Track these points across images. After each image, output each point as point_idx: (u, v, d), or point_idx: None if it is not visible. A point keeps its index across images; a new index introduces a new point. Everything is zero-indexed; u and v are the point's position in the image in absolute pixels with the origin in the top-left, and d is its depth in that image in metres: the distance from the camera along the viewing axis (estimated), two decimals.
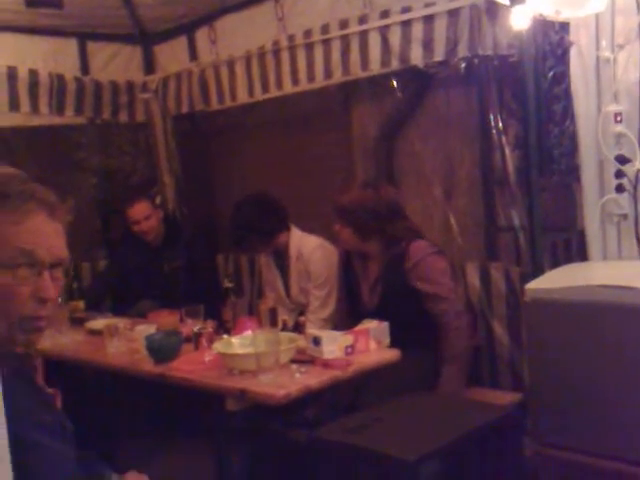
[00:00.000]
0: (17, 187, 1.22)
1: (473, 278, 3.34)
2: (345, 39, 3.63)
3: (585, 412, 2.15)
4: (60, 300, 3.70)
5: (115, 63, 4.68)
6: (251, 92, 4.18)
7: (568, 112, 2.97)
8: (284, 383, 2.45)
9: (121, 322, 3.20)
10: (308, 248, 3.47)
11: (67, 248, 1.31)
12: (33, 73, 4.24)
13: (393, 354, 2.76)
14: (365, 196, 3.09)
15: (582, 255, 2.78)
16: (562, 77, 2.99)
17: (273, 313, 3.02)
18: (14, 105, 4.19)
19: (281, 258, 3.59)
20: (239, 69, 4.21)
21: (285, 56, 3.94)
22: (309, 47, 3.81)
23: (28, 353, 1.30)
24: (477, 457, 2.19)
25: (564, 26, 2.90)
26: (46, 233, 1.25)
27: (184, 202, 4.81)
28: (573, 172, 2.93)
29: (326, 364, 2.59)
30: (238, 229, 3.50)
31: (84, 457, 1.38)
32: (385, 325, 2.84)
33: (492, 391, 3.11)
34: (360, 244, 3.12)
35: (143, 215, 3.94)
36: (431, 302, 2.99)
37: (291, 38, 3.90)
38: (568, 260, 2.88)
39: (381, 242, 3.10)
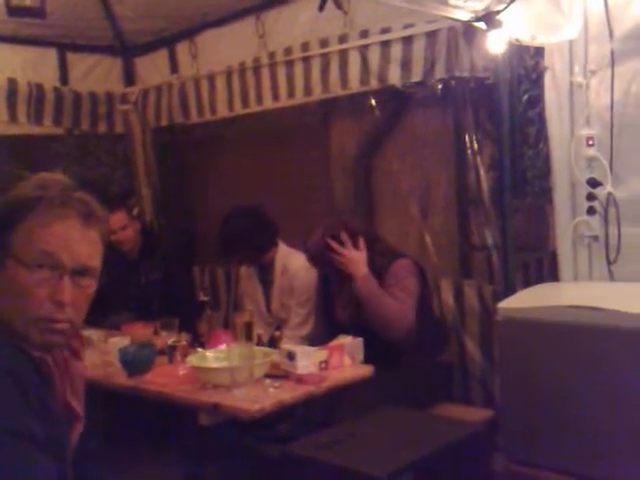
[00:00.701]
0: (53, 192, 1.26)
1: (447, 295, 3.38)
2: (325, 57, 3.68)
3: (554, 430, 2.19)
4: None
5: (95, 74, 4.68)
6: (231, 106, 4.21)
7: (542, 135, 3.05)
8: (258, 398, 2.45)
9: (95, 334, 3.18)
10: (295, 265, 3.46)
11: (98, 257, 1.32)
12: (12, 82, 4.23)
13: (366, 370, 2.78)
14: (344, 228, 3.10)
15: (553, 275, 2.83)
16: (536, 101, 3.06)
17: (249, 327, 3.03)
18: None
19: (265, 271, 3.58)
20: (219, 83, 4.24)
21: (265, 72, 3.98)
22: (289, 64, 3.85)
23: (44, 360, 1.27)
24: (448, 473, 2.21)
25: (539, 51, 2.98)
26: (74, 239, 1.26)
27: (161, 214, 4.81)
28: (546, 194, 3.00)
29: (300, 379, 2.60)
30: (229, 242, 3.46)
31: None
32: (359, 341, 2.86)
33: (464, 407, 3.14)
34: (342, 275, 3.14)
35: (119, 225, 3.92)
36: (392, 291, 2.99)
37: (272, 55, 3.94)
38: (540, 280, 2.94)
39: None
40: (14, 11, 3.96)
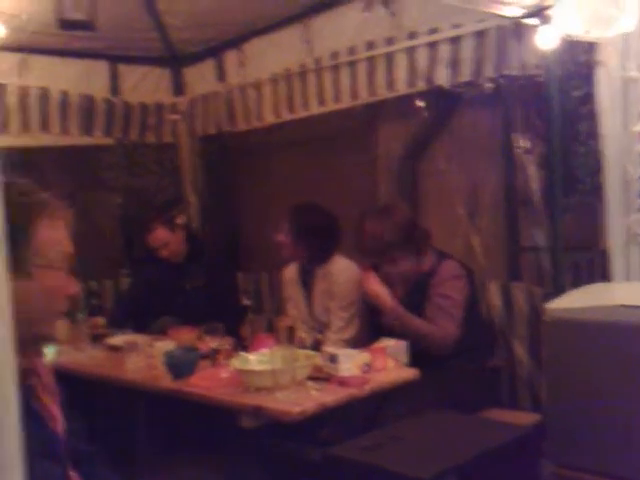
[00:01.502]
0: (46, 195, 1.32)
1: (495, 298, 3.30)
2: (371, 60, 3.65)
3: (602, 434, 2.09)
4: (81, 316, 3.76)
5: (145, 85, 4.75)
6: (277, 113, 4.22)
7: (593, 131, 2.95)
8: (300, 400, 2.43)
9: (141, 338, 3.22)
10: (336, 268, 3.44)
11: None
12: (64, 94, 4.32)
13: (411, 373, 2.73)
14: (377, 228, 3.07)
15: (604, 275, 2.73)
16: (588, 97, 2.96)
17: (291, 331, 3.01)
18: (45, 126, 4.27)
19: (307, 275, 3.57)
20: (266, 90, 4.26)
21: (312, 77, 3.97)
22: (335, 69, 3.83)
23: (32, 369, 1.30)
24: (493, 477, 2.14)
25: (591, 46, 2.88)
26: (66, 236, 1.34)
27: (208, 221, 4.85)
28: (597, 192, 2.89)
29: (342, 382, 2.56)
30: (300, 229, 3.44)
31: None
32: (403, 344, 2.81)
33: (510, 412, 3.05)
34: (386, 266, 3.10)
35: (161, 242, 3.96)
36: (437, 310, 2.96)
37: (318, 61, 3.93)
38: (590, 280, 2.83)
39: (408, 262, 3.08)
40: (65, 25, 4.04)
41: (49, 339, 1.35)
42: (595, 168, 2.94)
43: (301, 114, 4.10)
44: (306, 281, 3.58)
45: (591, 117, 2.94)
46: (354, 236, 3.19)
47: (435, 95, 3.60)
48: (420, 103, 3.70)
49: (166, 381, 2.82)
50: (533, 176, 3.24)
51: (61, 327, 3.44)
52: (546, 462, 2.24)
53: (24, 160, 4.15)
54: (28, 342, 1.24)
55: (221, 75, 4.61)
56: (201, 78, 4.75)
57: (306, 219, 3.46)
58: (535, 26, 2.76)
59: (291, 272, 3.66)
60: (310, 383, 2.57)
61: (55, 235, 1.29)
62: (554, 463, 2.20)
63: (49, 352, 2.56)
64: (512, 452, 2.19)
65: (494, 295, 3.29)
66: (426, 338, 2.92)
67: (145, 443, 3.07)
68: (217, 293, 3.89)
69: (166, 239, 3.96)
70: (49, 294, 1.28)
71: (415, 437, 2.34)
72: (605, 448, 2.10)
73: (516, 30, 3.03)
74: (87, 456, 1.48)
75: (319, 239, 3.43)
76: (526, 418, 2.93)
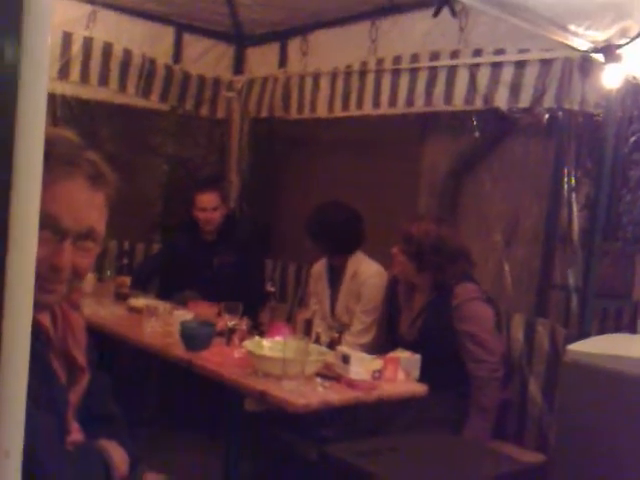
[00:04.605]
0: (60, 150, 1.16)
1: (517, 331, 3.25)
2: (433, 71, 3.63)
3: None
4: (109, 273, 3.80)
5: (206, 57, 4.77)
6: (331, 108, 4.22)
7: None
8: (306, 393, 2.43)
9: (162, 305, 3.24)
10: (366, 272, 3.44)
11: (103, 221, 1.24)
12: (127, 53, 4.36)
13: (420, 388, 2.71)
14: (435, 231, 3.06)
15: (632, 327, 2.69)
16: None
17: (309, 324, 3.01)
18: (104, 80, 4.30)
19: (335, 273, 3.57)
20: (324, 83, 4.26)
21: (371, 78, 3.97)
22: (396, 73, 3.82)
23: (37, 321, 1.20)
24: None
25: None
26: (79, 201, 1.19)
27: (245, 202, 4.87)
28: (638, 242, 2.85)
29: (351, 384, 2.56)
30: (319, 224, 3.47)
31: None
32: (417, 358, 2.79)
33: (515, 448, 3.01)
34: (413, 274, 3.09)
35: (212, 205, 4.00)
36: (471, 344, 2.93)
37: (380, 62, 3.92)
38: (616, 329, 2.80)
39: (434, 278, 3.06)
40: None
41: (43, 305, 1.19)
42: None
43: (354, 113, 4.09)
44: (333, 279, 3.58)
45: None
46: (399, 233, 3.15)
47: (490, 116, 3.57)
48: (474, 121, 3.67)
49: (179, 350, 2.84)
50: (576, 215, 3.20)
51: (88, 281, 3.49)
52: None
53: (79, 111, 4.21)
54: None
55: (282, 61, 4.62)
56: (262, 60, 4.77)
57: (326, 216, 3.47)
58: (602, 63, 2.73)
59: (320, 267, 3.66)
60: (319, 379, 2.57)
61: (47, 193, 1.12)
62: None
63: None
64: None
65: (517, 328, 3.25)
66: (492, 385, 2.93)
67: (154, 411, 3.08)
68: (243, 274, 3.91)
69: (217, 204, 4.01)
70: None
71: (414, 453, 2.33)
72: None
73: (582, 64, 3.00)
74: (109, 416, 1.44)
75: (339, 235, 3.43)
76: (530, 456, 2.89)
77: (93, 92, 4.31)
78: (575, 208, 3.20)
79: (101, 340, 3.03)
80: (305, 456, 2.65)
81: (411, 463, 2.20)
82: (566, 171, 3.24)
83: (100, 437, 1.35)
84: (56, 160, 1.13)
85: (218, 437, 2.78)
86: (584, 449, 2.17)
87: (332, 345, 3.14)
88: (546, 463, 2.76)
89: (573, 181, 3.23)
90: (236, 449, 2.67)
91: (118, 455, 1.33)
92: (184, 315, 3.05)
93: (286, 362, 2.51)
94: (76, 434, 1.34)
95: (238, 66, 4.88)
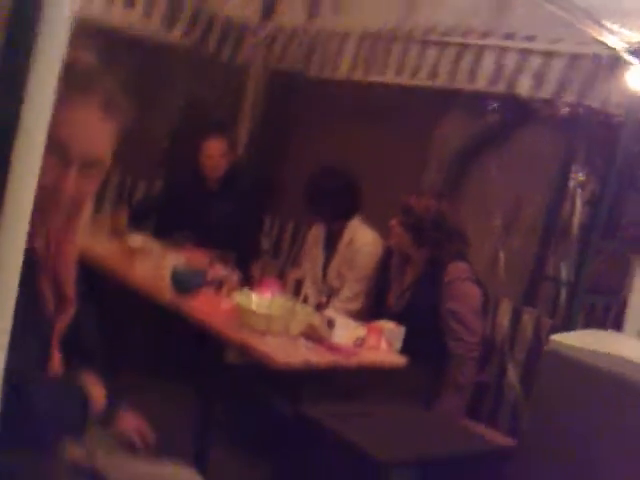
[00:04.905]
0: (77, 74, 1.11)
1: (503, 316, 3.28)
2: (462, 47, 3.58)
3: (571, 472, 2.11)
4: (107, 207, 3.74)
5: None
6: (353, 69, 4.14)
7: None
8: (287, 352, 2.46)
9: (157, 246, 3.24)
10: (362, 240, 3.44)
11: (110, 151, 1.20)
12: None
13: (400, 360, 2.74)
14: (435, 206, 3.07)
15: (617, 324, 2.72)
16: None
17: (299, 284, 3.03)
18: (130, 3, 4.14)
19: (332, 238, 3.57)
20: (350, 43, 4.16)
21: (399, 45, 3.88)
22: (425, 43, 3.75)
23: (31, 247, 1.14)
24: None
25: None
26: (90, 128, 1.16)
27: (253, 151, 4.77)
28: (635, 244, 2.87)
29: (332, 347, 2.59)
30: (316, 190, 3.46)
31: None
32: (401, 330, 2.82)
33: (487, 429, 3.06)
34: (408, 246, 3.10)
35: (219, 152, 3.96)
36: (454, 322, 2.95)
37: (410, 30, 3.82)
38: (602, 325, 2.83)
39: (430, 253, 3.08)
40: None
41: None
42: None
43: (375, 78, 4.03)
44: (329, 244, 3.58)
45: None
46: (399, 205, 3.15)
47: (510, 102, 3.54)
48: (494, 105, 3.64)
49: (168, 294, 2.86)
50: (578, 210, 3.21)
51: (85, 212, 3.47)
52: None
53: (100, 37, 4.10)
54: None
55: (313, 12, 4.49)
56: (292, 9, 4.59)
57: (321, 182, 3.46)
58: (631, 64, 2.71)
59: (317, 231, 3.66)
60: (302, 340, 2.60)
61: (56, 118, 0.97)
62: None
63: None
64: (478, 463, 2.21)
65: (503, 313, 3.27)
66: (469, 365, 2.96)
67: (136, 352, 3.11)
68: (240, 225, 3.90)
69: (224, 150, 3.98)
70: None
71: (386, 421, 2.37)
72: None
73: (611, 63, 2.97)
74: (91, 350, 1.45)
75: (333, 201, 3.43)
76: (500, 439, 2.92)
77: (118, 16, 4.10)
78: (578, 203, 3.21)
79: (92, 274, 3.07)
80: (280, 413, 2.68)
81: (382, 430, 2.24)
82: (575, 166, 3.24)
83: (80, 370, 1.36)
84: (71, 85, 1.05)
85: (196, 385, 2.80)
86: (554, 437, 2.21)
87: (319, 308, 3.17)
88: (516, 448, 2.80)
89: (580, 177, 3.23)
90: (212, 398, 2.71)
91: (97, 390, 1.34)
92: (176, 258, 3.06)
93: (272, 318, 2.54)
94: (57, 364, 1.35)
95: (267, 11, 4.69)
